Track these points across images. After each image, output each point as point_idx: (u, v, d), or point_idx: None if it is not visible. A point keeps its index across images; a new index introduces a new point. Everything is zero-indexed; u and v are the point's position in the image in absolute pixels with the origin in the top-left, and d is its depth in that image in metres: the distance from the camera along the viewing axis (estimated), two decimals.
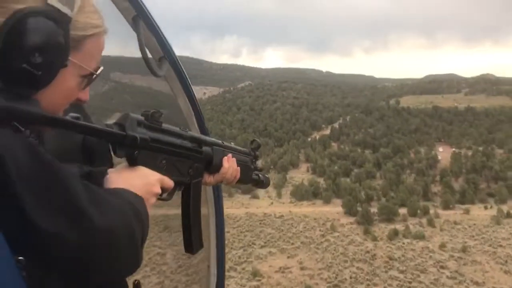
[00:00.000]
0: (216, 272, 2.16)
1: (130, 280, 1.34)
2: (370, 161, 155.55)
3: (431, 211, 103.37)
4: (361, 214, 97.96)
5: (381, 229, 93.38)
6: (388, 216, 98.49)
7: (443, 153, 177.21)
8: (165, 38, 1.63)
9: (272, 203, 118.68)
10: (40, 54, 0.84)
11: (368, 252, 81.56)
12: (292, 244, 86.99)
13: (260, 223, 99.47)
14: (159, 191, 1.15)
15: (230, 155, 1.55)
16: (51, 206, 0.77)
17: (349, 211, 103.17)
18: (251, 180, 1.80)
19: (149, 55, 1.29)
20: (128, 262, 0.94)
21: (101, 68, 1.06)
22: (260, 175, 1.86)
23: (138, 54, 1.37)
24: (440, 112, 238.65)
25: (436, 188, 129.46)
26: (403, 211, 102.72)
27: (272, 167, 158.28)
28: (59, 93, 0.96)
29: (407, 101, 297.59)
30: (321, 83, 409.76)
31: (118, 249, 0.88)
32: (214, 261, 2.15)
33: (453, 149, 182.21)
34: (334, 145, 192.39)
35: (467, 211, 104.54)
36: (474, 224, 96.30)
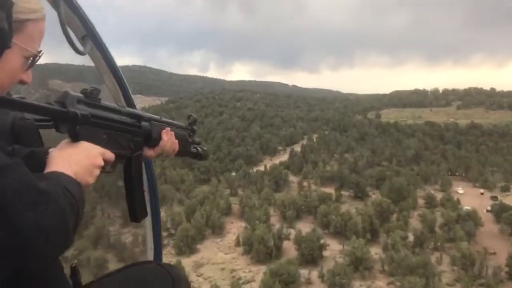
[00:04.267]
0: (153, 246, 2.16)
1: (67, 264, 1.32)
2: (357, 221, 78.06)
3: None
4: None
5: None
6: None
7: (467, 198, 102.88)
8: (87, 17, 1.60)
9: None
10: None
11: None
12: None
13: None
14: (102, 163, 1.15)
15: (168, 128, 1.54)
16: None
17: None
18: (189, 153, 1.78)
19: (72, 34, 1.25)
20: (57, 248, 0.94)
21: (43, 51, 1.07)
22: (198, 148, 1.83)
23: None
24: (440, 131, 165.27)
25: None
26: None
27: (171, 231, 78.56)
28: (3, 73, 0.98)
29: (388, 115, 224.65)
30: (285, 94, 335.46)
31: (46, 241, 0.86)
32: (150, 236, 2.14)
33: (481, 191, 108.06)
34: (294, 181, 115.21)
35: None
36: None
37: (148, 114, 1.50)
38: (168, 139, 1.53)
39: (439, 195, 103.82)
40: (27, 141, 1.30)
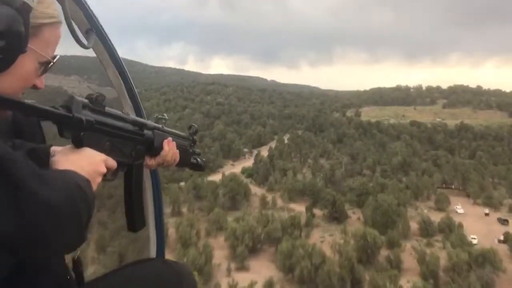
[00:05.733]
0: (156, 239, 2.11)
1: (69, 256, 1.30)
2: (332, 262, 54.82)
3: None
4: None
5: None
6: None
7: (469, 220, 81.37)
8: (91, 10, 1.57)
9: None
10: (2, 38, 0.84)
11: None
12: None
13: None
14: (104, 170, 1.12)
15: (170, 138, 1.50)
16: None
17: None
18: (189, 163, 1.73)
19: (76, 28, 1.21)
20: (71, 239, 0.92)
21: (58, 56, 1.06)
22: (198, 159, 1.78)
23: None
24: (428, 133, 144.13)
25: None
26: None
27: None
28: (17, 77, 0.96)
29: (368, 113, 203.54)
30: (259, 88, 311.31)
31: (60, 224, 0.84)
32: (153, 228, 2.10)
33: (486, 211, 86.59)
34: (257, 194, 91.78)
35: None
36: None
37: (151, 122, 1.46)
38: (170, 149, 1.48)
39: (434, 216, 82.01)
40: (29, 134, 1.27)
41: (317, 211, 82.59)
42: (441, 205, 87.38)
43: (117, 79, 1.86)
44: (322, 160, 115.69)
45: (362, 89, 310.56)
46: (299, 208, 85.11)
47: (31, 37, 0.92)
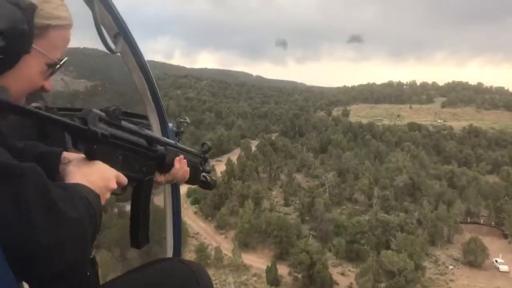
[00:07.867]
0: (173, 242, 2.10)
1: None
2: None
3: None
4: None
5: None
6: None
7: None
8: (120, 15, 1.54)
9: None
10: (3, 38, 0.81)
11: None
12: None
13: None
14: (115, 186, 1.08)
15: (182, 156, 1.46)
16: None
17: None
18: (199, 181, 1.70)
19: (104, 32, 1.21)
20: (72, 259, 0.87)
21: (66, 58, 1.03)
22: (207, 177, 1.75)
23: None
24: (434, 138, 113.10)
25: None
26: None
27: None
28: (22, 79, 0.93)
29: (358, 112, 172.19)
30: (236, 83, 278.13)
31: (63, 251, 0.82)
32: (170, 231, 2.10)
33: None
34: (199, 236, 59.80)
35: None
36: None
37: (164, 138, 1.42)
38: (180, 167, 1.44)
39: (467, 279, 51.27)
40: (53, 137, 1.24)
41: (284, 270, 51.02)
42: (473, 256, 56.42)
43: (142, 83, 1.85)
44: (300, 176, 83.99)
45: (351, 84, 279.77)
46: (258, 263, 53.60)
47: (37, 38, 0.89)
